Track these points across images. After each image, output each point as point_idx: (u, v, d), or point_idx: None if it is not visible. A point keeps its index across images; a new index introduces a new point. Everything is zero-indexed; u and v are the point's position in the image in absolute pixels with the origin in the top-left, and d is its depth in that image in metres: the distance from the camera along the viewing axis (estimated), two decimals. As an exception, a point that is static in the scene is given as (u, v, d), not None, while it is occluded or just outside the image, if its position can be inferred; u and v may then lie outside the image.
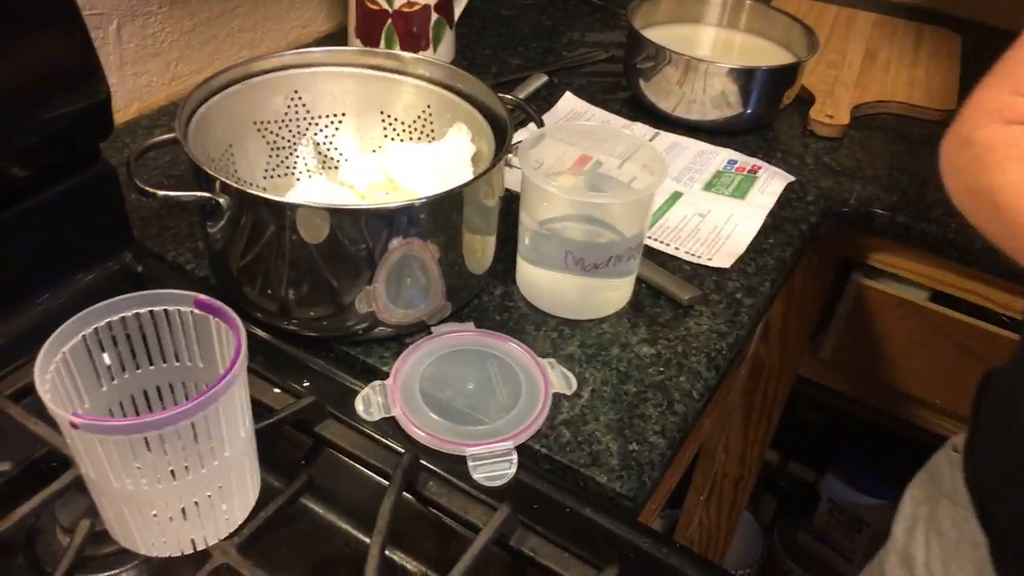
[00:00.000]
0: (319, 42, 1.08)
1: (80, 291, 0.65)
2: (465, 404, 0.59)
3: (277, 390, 0.58)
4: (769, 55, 1.00)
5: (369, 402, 0.59)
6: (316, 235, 0.56)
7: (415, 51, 0.96)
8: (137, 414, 0.50)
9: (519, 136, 0.66)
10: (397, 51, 0.73)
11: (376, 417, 0.58)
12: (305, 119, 0.73)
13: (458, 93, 0.70)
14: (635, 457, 0.58)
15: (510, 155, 0.63)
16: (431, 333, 0.65)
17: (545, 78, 1.01)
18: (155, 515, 0.44)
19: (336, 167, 0.74)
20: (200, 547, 0.47)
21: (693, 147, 0.92)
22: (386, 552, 0.48)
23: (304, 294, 0.60)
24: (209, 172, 0.56)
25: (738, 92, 0.91)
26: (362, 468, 0.55)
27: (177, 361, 0.49)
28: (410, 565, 0.52)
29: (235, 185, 0.56)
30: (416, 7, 0.94)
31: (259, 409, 0.52)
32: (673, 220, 0.81)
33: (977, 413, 0.69)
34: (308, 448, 0.57)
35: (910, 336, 0.96)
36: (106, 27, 0.82)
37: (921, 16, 1.24)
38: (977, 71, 0.63)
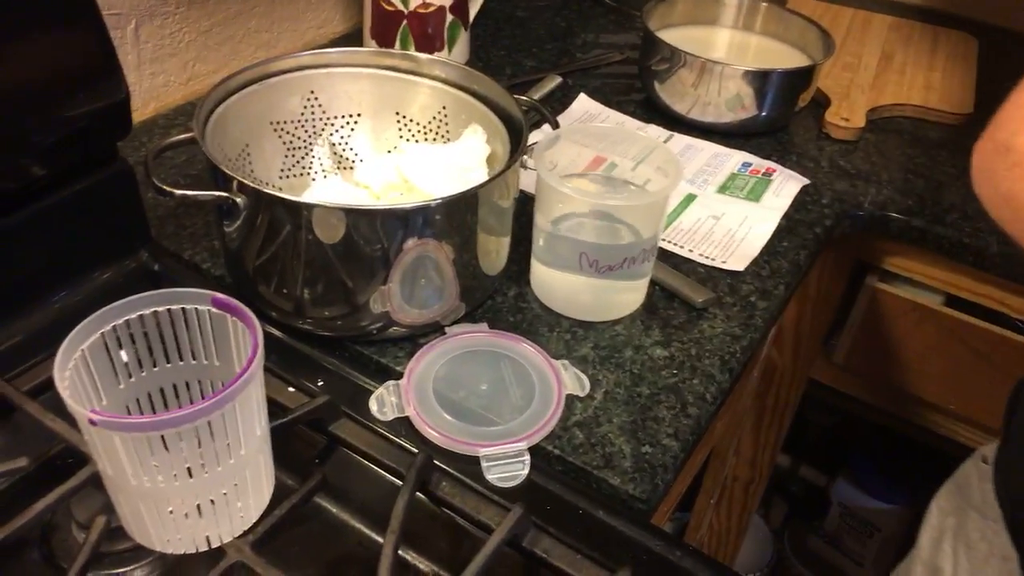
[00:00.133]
0: (334, 43, 1.08)
1: (97, 289, 0.66)
2: (478, 405, 0.59)
3: (291, 389, 0.58)
4: (784, 57, 0.99)
5: (383, 402, 0.59)
6: (332, 235, 0.56)
7: (430, 52, 0.96)
8: (153, 411, 0.50)
9: (534, 137, 0.66)
10: (413, 52, 0.73)
11: (390, 417, 0.58)
12: (321, 119, 0.73)
13: (473, 94, 0.70)
14: (648, 459, 0.58)
15: (525, 156, 0.64)
16: (445, 333, 0.65)
17: (559, 79, 1.01)
18: (171, 512, 0.45)
19: (351, 167, 0.75)
20: (215, 544, 0.47)
21: (707, 149, 0.92)
22: (399, 552, 0.48)
23: (319, 294, 0.61)
24: (227, 172, 0.57)
25: (753, 94, 0.91)
26: (376, 468, 0.55)
27: (194, 359, 0.49)
28: (423, 565, 0.52)
29: (252, 185, 0.56)
30: (431, 8, 0.94)
31: (274, 408, 0.52)
32: (687, 222, 0.81)
33: (1009, 423, 0.68)
34: (322, 447, 0.57)
35: (924, 341, 0.96)
36: (124, 27, 0.82)
37: (937, 19, 1.24)
38: (994, 75, 0.62)
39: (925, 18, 1.24)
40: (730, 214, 0.82)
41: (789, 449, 1.58)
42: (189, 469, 0.43)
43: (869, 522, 1.45)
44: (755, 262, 0.77)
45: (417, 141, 0.74)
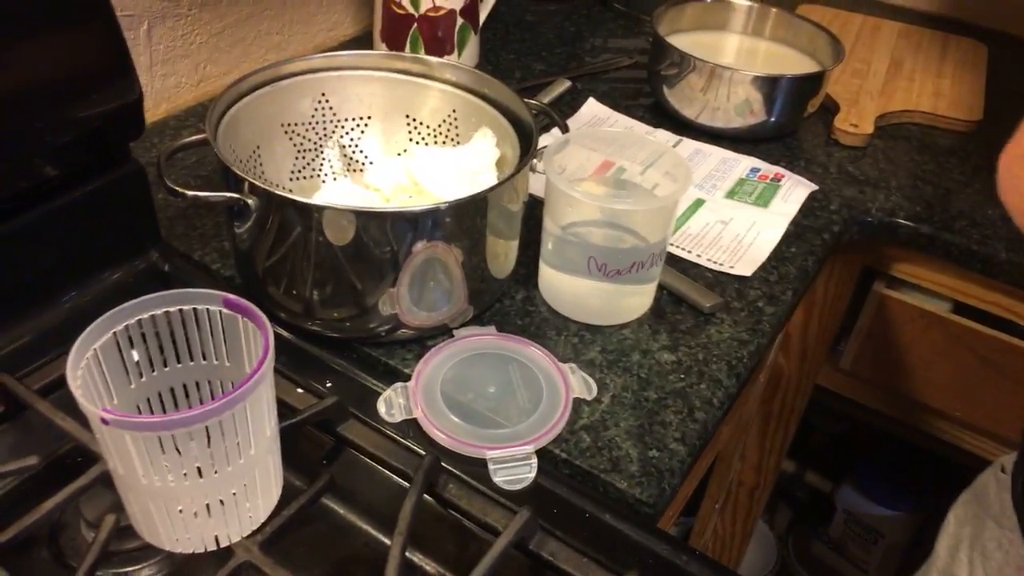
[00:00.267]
0: (344, 46, 1.08)
1: (107, 289, 0.66)
2: (486, 407, 0.59)
3: (300, 390, 0.59)
4: (794, 63, 0.99)
5: (391, 404, 0.59)
6: (342, 237, 0.57)
7: (440, 55, 0.97)
8: (164, 411, 0.50)
9: (543, 141, 0.66)
10: (424, 55, 0.73)
11: (398, 419, 0.58)
12: (332, 122, 0.73)
13: (483, 98, 0.71)
14: (655, 464, 0.58)
15: (534, 160, 0.64)
16: (453, 336, 0.65)
17: (568, 84, 1.02)
18: (180, 511, 0.45)
19: (361, 170, 0.75)
20: (223, 544, 0.47)
21: (716, 154, 0.92)
22: (406, 553, 0.48)
23: (328, 295, 0.61)
24: (238, 173, 0.57)
25: (762, 100, 0.91)
26: (383, 469, 0.55)
27: (204, 359, 0.50)
28: (429, 567, 0.53)
29: (263, 186, 0.57)
30: (442, 12, 0.94)
31: (282, 409, 0.53)
32: (695, 227, 0.81)
33: None
34: (329, 448, 0.57)
35: (932, 347, 0.96)
36: (137, 28, 0.83)
37: (947, 26, 1.24)
38: (1003, 82, 0.62)
39: (935, 25, 1.24)
40: (738, 219, 0.82)
41: (794, 455, 1.57)
42: (199, 468, 0.43)
43: (874, 529, 1.45)
44: (763, 267, 0.77)
45: (427, 144, 0.75)
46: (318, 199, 0.68)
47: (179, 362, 0.49)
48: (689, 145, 0.94)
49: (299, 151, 0.73)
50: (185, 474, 0.43)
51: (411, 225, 0.57)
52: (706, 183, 0.88)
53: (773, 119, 0.93)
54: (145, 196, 0.67)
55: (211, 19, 0.90)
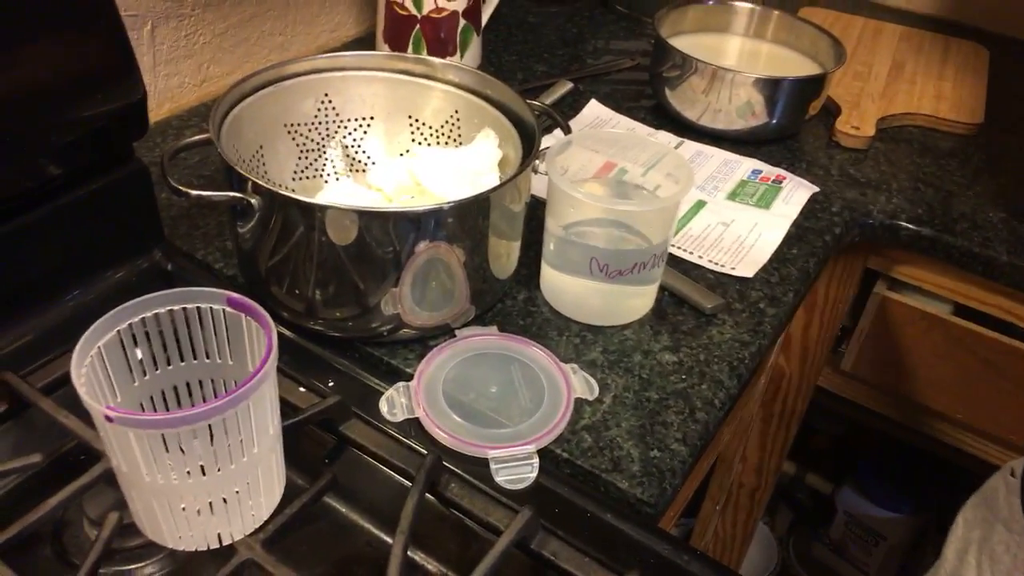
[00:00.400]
0: (347, 46, 1.09)
1: (110, 288, 0.66)
2: (488, 407, 0.60)
3: (302, 389, 0.59)
4: (795, 66, 1.00)
5: (393, 403, 0.60)
6: (344, 237, 0.57)
7: (442, 56, 0.97)
8: (167, 409, 0.50)
9: (545, 142, 0.66)
10: (426, 56, 0.74)
11: (400, 418, 0.59)
12: (335, 122, 0.73)
13: (486, 99, 0.71)
14: (656, 464, 0.58)
15: (537, 161, 0.64)
16: (455, 336, 0.65)
17: (570, 85, 1.02)
18: (183, 509, 0.45)
19: (364, 170, 0.75)
20: (226, 542, 0.47)
21: (717, 156, 0.93)
22: (408, 552, 0.48)
23: (331, 295, 0.61)
24: (242, 173, 0.57)
25: (764, 102, 0.91)
26: (385, 468, 0.55)
27: (207, 358, 0.50)
28: (431, 566, 0.53)
29: (266, 186, 0.57)
30: (444, 13, 0.95)
31: (285, 408, 0.52)
32: (697, 228, 0.81)
33: None
34: (332, 447, 0.57)
35: (933, 349, 0.96)
36: (140, 28, 0.83)
37: (948, 29, 1.24)
38: (1005, 85, 0.63)
39: (936, 28, 1.24)
40: (740, 221, 0.82)
41: (795, 456, 1.57)
42: (202, 467, 0.44)
43: (874, 530, 1.45)
44: (764, 269, 0.77)
45: (430, 144, 0.75)
46: (321, 199, 0.68)
47: (182, 360, 0.50)
48: (691, 147, 0.94)
49: (302, 151, 0.73)
50: (188, 472, 0.43)
51: (414, 225, 0.58)
52: (708, 185, 0.88)
53: (775, 121, 0.93)
54: (148, 195, 0.67)
55: (214, 19, 0.90)
